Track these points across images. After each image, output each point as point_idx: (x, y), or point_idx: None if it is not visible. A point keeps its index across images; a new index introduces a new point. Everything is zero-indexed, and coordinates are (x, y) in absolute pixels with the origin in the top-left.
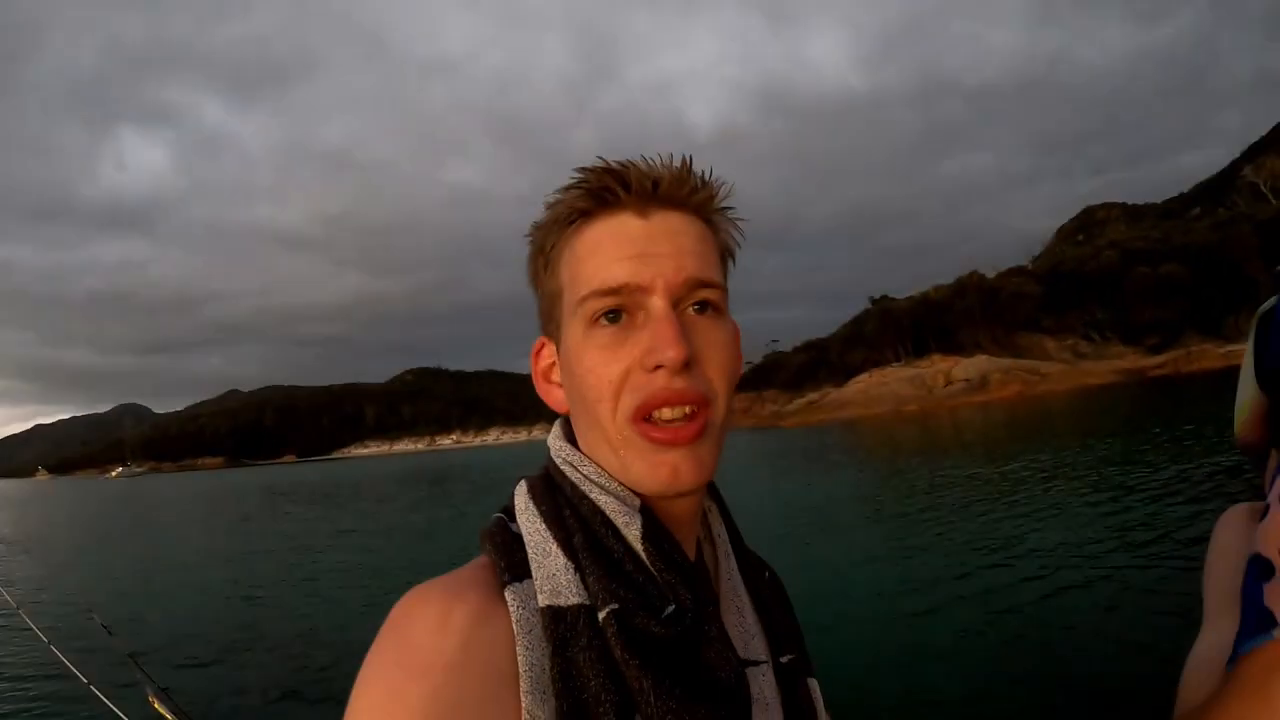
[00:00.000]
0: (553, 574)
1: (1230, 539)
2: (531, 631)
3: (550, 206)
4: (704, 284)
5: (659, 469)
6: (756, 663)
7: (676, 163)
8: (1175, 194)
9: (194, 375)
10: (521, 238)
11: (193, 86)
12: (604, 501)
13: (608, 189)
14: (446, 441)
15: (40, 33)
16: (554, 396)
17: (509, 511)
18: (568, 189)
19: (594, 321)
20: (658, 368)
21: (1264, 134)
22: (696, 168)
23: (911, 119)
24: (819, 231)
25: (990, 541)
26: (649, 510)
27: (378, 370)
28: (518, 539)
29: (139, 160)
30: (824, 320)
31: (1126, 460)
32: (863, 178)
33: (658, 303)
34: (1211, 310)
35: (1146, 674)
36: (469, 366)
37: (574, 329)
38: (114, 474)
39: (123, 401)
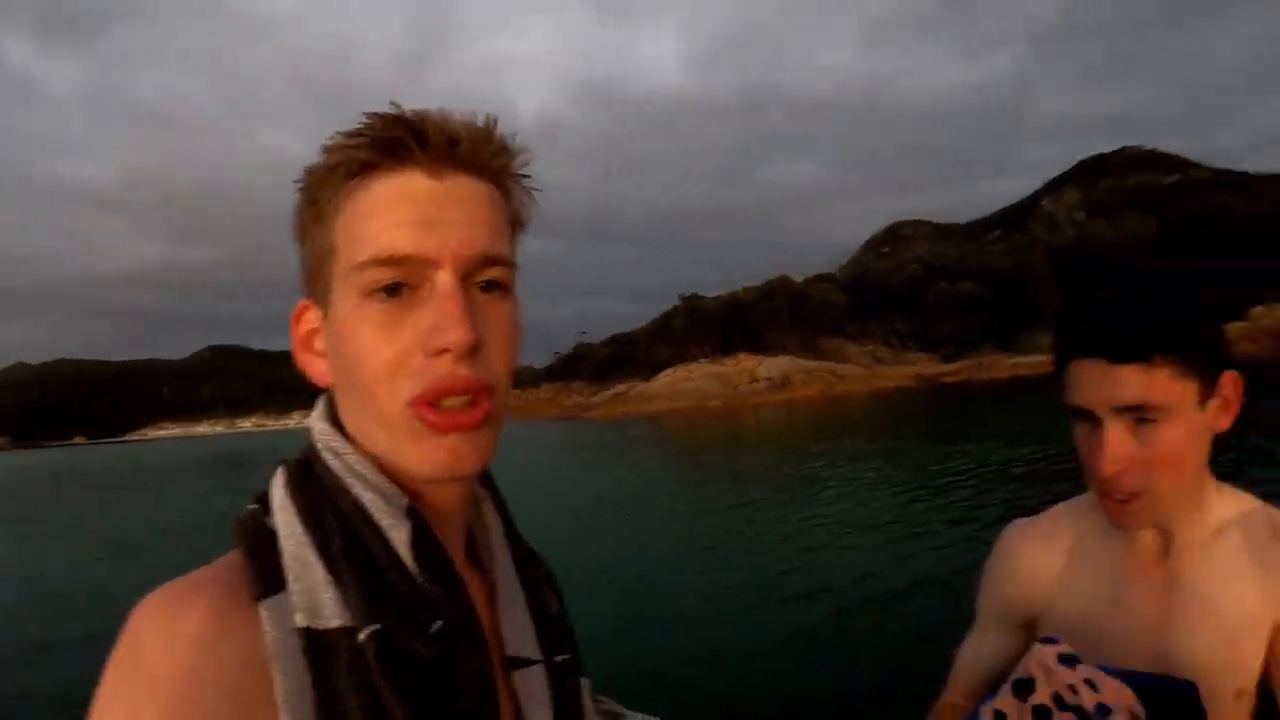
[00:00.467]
0: (310, 588)
1: (1008, 557)
2: (289, 655)
3: (329, 151)
4: (495, 260)
5: (436, 453)
6: (529, 662)
7: (480, 121)
8: (979, 217)
9: None
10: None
11: None
12: (368, 499)
13: (399, 141)
14: (247, 424)
15: None
16: (316, 368)
17: (265, 501)
18: (352, 134)
19: (370, 293)
20: (442, 352)
21: (1066, 170)
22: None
23: (737, 124)
24: (638, 227)
25: (804, 540)
26: (417, 511)
27: (176, 346)
28: (273, 538)
29: None
30: (635, 315)
31: (929, 460)
32: (685, 178)
33: (445, 278)
34: (1004, 326)
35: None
36: (274, 346)
37: (346, 298)
38: None
39: None
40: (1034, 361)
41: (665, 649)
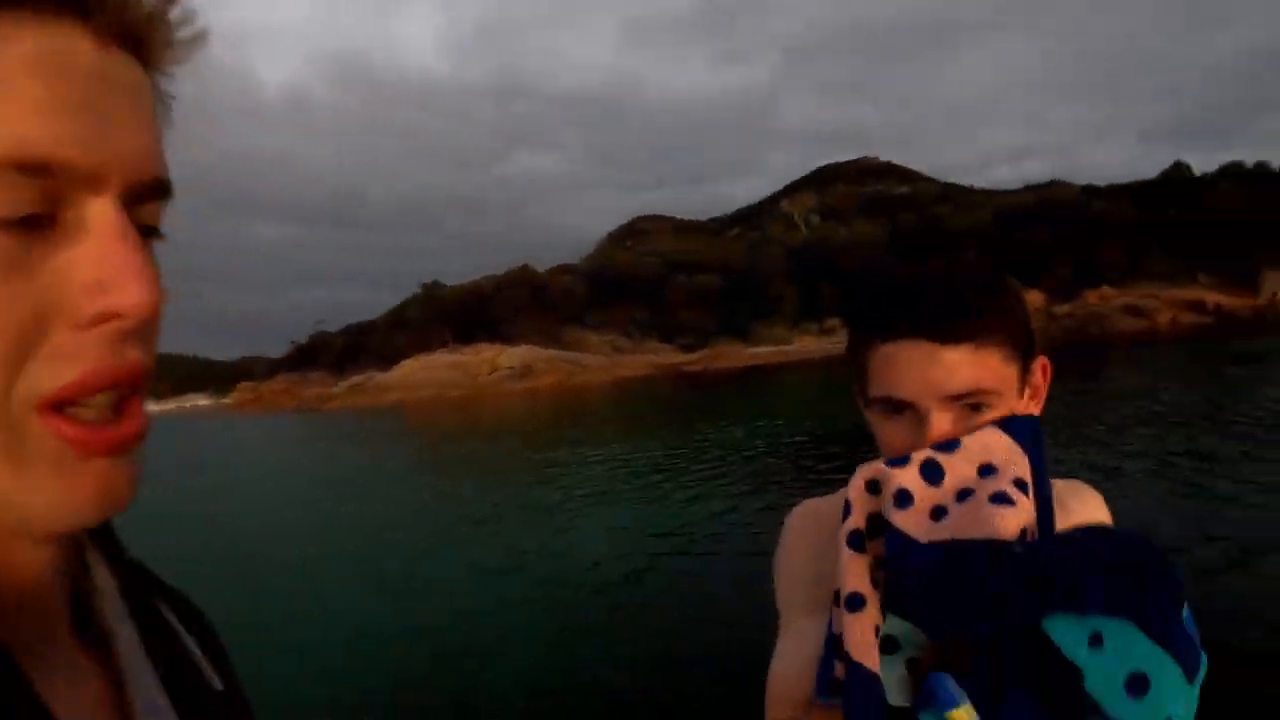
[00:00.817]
0: None
1: (799, 537)
2: None
3: None
4: (165, 188)
5: (80, 488)
6: None
7: None
8: (720, 215)
9: None
10: None
11: None
12: None
13: None
14: None
15: None
16: None
17: None
18: None
19: None
20: (106, 320)
21: (803, 175)
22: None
23: (489, 113)
24: (382, 212)
25: (552, 529)
26: None
27: None
28: None
29: None
30: (376, 303)
31: (676, 445)
32: (434, 164)
33: (106, 209)
34: (741, 318)
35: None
36: None
37: None
38: None
39: None
40: (768, 351)
41: (415, 647)
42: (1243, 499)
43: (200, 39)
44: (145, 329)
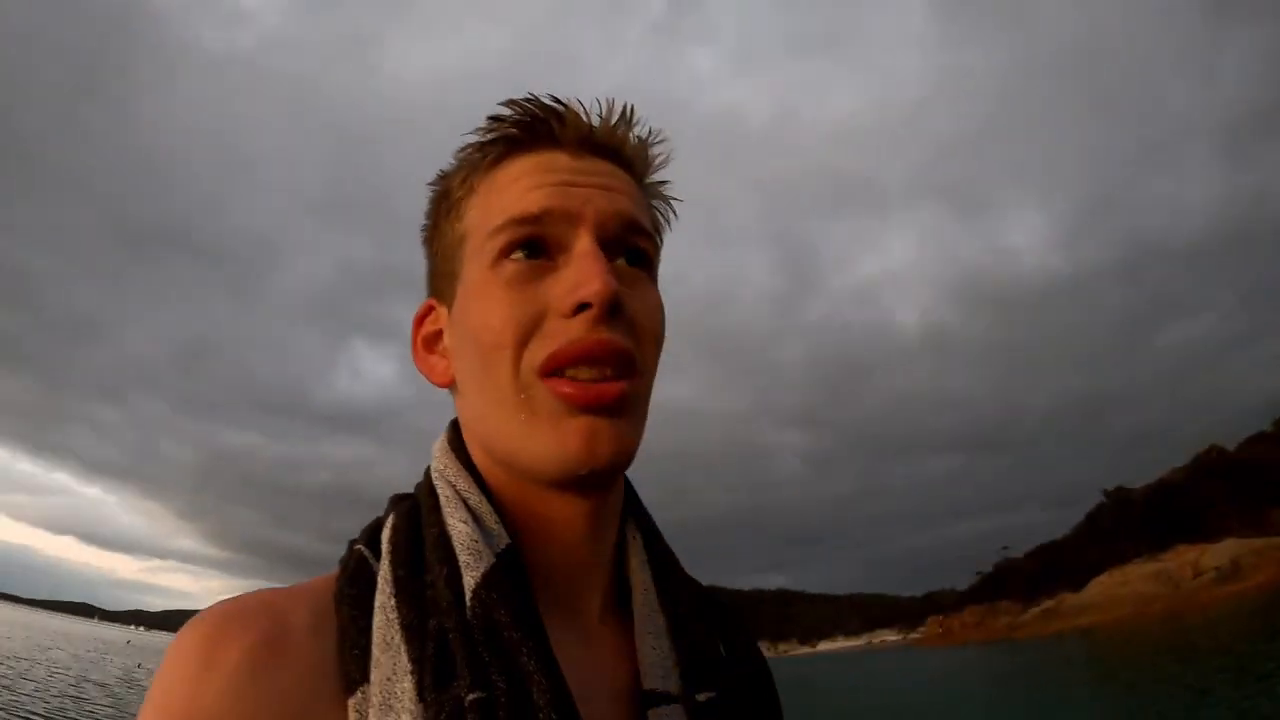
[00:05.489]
0: (388, 679)
1: None
2: None
3: (465, 149)
4: (640, 229)
5: (569, 436)
6: (666, 699)
7: (616, 110)
8: None
9: None
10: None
11: (412, 307)
12: (458, 532)
13: (539, 120)
14: None
15: (277, 251)
16: (436, 369)
17: (374, 540)
18: (489, 128)
19: (504, 254)
20: (579, 309)
21: None
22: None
23: (1118, 293)
24: (1039, 427)
25: None
26: (514, 553)
27: None
28: (370, 595)
29: (370, 370)
30: (1055, 521)
31: None
32: (1076, 363)
33: (584, 237)
34: None
35: None
36: None
37: (476, 268)
38: None
39: None
40: None
41: None
42: None
43: (661, 141)
44: (622, 320)
